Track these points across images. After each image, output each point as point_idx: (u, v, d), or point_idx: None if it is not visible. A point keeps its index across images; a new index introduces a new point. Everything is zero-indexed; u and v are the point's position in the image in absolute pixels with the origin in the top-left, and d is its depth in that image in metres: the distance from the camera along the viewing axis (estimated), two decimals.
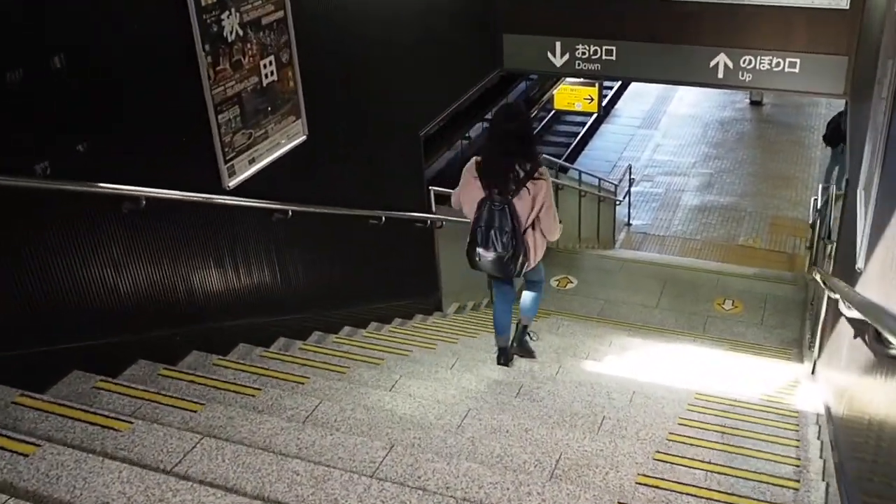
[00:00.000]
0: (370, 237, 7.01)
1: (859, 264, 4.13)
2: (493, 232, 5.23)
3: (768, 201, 16.55)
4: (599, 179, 14.24)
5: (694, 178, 17.56)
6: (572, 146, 19.59)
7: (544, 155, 11.91)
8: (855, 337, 3.36)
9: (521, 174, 5.15)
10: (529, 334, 6.33)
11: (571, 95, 13.21)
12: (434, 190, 7.94)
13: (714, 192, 17.03)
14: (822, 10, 7.92)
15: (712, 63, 8.55)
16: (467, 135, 13.10)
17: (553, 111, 20.24)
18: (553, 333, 8.03)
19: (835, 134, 15.53)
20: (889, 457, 3.07)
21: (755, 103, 20.97)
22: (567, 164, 14.58)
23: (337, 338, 6.41)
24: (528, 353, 6.31)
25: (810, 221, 14.54)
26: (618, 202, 15.36)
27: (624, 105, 22.01)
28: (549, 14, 8.93)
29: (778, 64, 8.33)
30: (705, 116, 20.68)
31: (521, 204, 5.19)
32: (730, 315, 10.11)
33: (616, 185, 15.45)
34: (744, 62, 8.45)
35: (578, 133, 20.23)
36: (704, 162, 18.40)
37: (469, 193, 5.32)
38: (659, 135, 19.95)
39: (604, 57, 8.91)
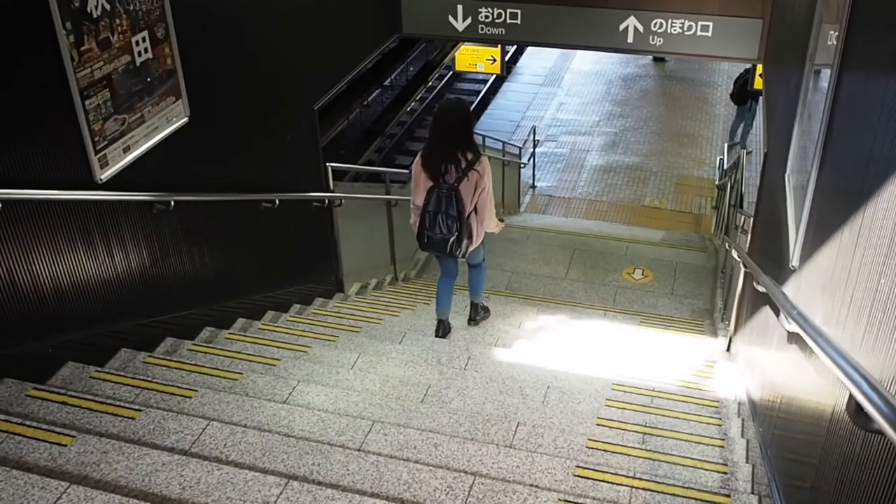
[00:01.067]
0: (265, 221, 6.48)
1: (794, 262, 3.81)
2: (440, 217, 5.77)
3: (673, 160, 16.45)
4: (503, 143, 13.85)
5: (598, 138, 17.34)
6: (473, 106, 19.15)
7: None
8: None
9: (464, 163, 5.68)
10: (477, 318, 7.07)
11: (473, 56, 12.73)
12: (332, 166, 7.42)
13: (619, 151, 16.85)
14: None
15: (622, 27, 8.20)
16: (365, 102, 12.48)
17: (451, 71, 19.77)
18: (461, 315, 7.63)
19: (742, 91, 15.45)
20: (816, 451, 2.77)
21: (658, 59, 20.82)
22: (479, 133, 14.12)
23: (230, 334, 5.89)
24: (482, 317, 7.13)
25: (716, 182, 14.58)
26: (522, 165, 15.04)
27: (526, 62, 21.62)
28: None
29: (690, 27, 8.02)
30: (608, 73, 20.46)
31: (465, 190, 5.71)
32: (640, 285, 9.89)
33: (520, 148, 15.10)
34: (654, 25, 8.11)
35: (480, 91, 19.79)
36: (609, 120, 18.20)
37: (418, 185, 5.83)
38: (562, 93, 19.66)
39: (508, 21, 8.46)
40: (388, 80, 13.29)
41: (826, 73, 3.68)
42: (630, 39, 8.21)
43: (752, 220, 6.94)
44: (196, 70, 5.25)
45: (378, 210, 8.90)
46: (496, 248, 10.63)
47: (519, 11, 8.40)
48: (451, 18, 8.59)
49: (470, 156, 5.69)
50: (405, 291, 8.75)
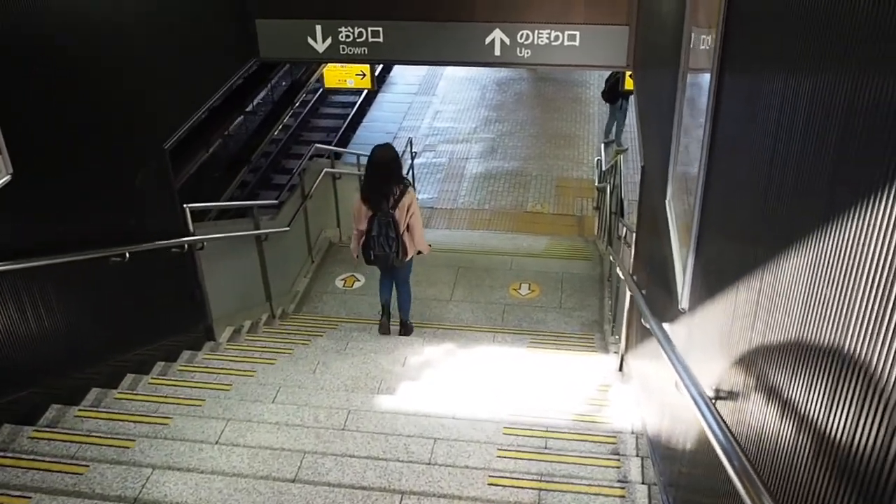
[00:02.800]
0: (116, 276, 5.90)
1: (682, 304, 3.51)
2: (381, 238, 7.39)
3: (552, 163, 16.33)
4: None
5: (477, 144, 17.10)
6: (349, 118, 18.71)
7: (316, 144, 10.98)
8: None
9: (397, 193, 7.32)
10: (409, 323, 8.51)
11: (342, 73, 12.23)
12: (190, 207, 6.85)
13: (498, 157, 16.65)
14: None
15: (487, 40, 7.87)
16: (226, 132, 11.80)
17: (321, 90, 19.25)
18: (341, 355, 7.19)
19: (613, 90, 15.46)
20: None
21: None
22: (340, 150, 13.65)
23: (80, 410, 5.30)
24: (410, 332, 8.50)
25: (596, 183, 14.50)
26: None
27: (399, 71, 21.23)
28: None
29: (557, 38, 7.75)
30: (482, 78, 20.25)
31: (399, 215, 7.34)
32: (527, 301, 9.62)
33: None
34: (521, 37, 7.81)
35: (355, 103, 19.35)
36: (486, 126, 17.98)
37: (360, 215, 7.45)
38: (437, 101, 19.37)
39: (370, 39, 8.04)
40: (251, 105, 12.64)
41: (701, 78, 3.40)
42: (497, 52, 7.90)
43: (634, 235, 6.71)
44: (17, 120, 4.66)
45: (248, 246, 8.37)
46: (377, 272, 10.20)
47: (381, 29, 7.99)
48: (310, 40, 8.12)
49: (400, 188, 7.33)
50: (282, 331, 8.25)
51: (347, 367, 6.72)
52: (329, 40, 8.09)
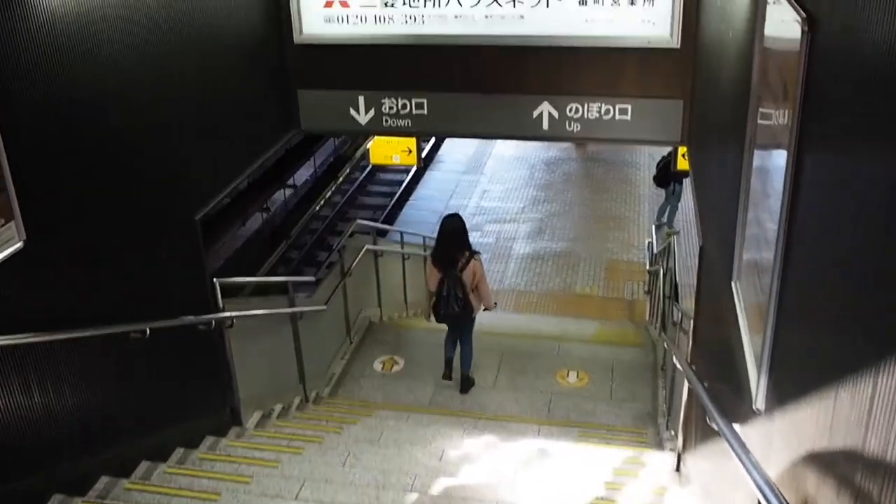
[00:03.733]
0: (137, 353, 5.51)
1: (758, 404, 3.01)
2: (451, 297, 8.21)
3: (602, 245, 15.87)
4: (424, 237, 13.08)
5: (524, 224, 16.71)
6: (396, 196, 18.50)
7: (358, 220, 10.66)
8: None
9: (464, 259, 8.23)
10: (471, 375, 9.05)
11: (388, 147, 11.95)
12: (220, 282, 6.49)
13: (546, 238, 16.23)
14: (650, 49, 7.01)
15: (535, 113, 7.51)
16: (266, 205, 11.47)
17: (368, 167, 19.14)
18: (374, 446, 6.70)
19: (664, 174, 15.11)
20: None
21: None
22: (386, 227, 13.36)
23: (84, 502, 4.86)
24: (471, 385, 9.06)
25: (647, 267, 13.99)
26: None
27: (447, 150, 21.05)
28: (350, 65, 7.68)
29: (608, 111, 7.36)
30: (531, 157, 19.96)
31: (466, 277, 8.23)
32: (575, 389, 9.07)
33: None
34: (570, 111, 7.44)
35: (402, 182, 19.17)
36: (534, 206, 17.62)
37: (432, 276, 8.37)
38: (485, 179, 19.08)
39: (414, 111, 7.72)
40: (292, 178, 12.38)
41: (774, 155, 2.96)
42: (545, 126, 7.52)
43: (691, 321, 6.19)
44: (35, 183, 4.35)
45: (282, 325, 7.97)
46: (417, 354, 9.77)
47: (425, 101, 7.67)
48: (352, 111, 7.82)
49: (467, 254, 8.28)
50: (314, 417, 7.79)
51: (380, 461, 6.23)
52: (372, 112, 7.79)
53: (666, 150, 16.92)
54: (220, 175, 6.62)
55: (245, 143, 7.08)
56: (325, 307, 8.59)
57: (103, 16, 4.88)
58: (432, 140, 21.14)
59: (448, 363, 9.03)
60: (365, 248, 9.93)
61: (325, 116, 7.91)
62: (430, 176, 19.61)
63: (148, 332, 5.41)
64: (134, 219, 5.45)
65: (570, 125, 7.52)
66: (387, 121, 7.79)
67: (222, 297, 6.61)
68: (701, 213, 6.21)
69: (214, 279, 6.49)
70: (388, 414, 8.10)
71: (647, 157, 19.46)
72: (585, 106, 7.43)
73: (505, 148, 20.52)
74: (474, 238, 16.39)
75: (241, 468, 5.85)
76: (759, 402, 3.01)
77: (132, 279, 5.53)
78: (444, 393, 8.92)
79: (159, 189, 5.73)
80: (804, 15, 2.37)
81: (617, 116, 7.40)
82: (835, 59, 2.19)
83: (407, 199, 18.42)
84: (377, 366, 9.48)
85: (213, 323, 6.31)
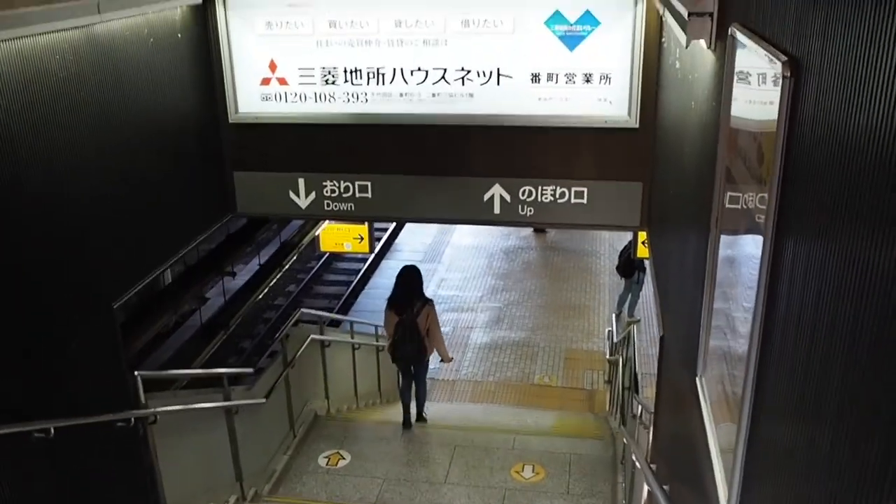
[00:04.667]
0: (38, 455, 5.00)
1: None
2: (406, 340, 9.21)
3: (561, 333, 15.54)
4: (376, 327, 12.65)
5: (482, 314, 16.36)
6: (352, 285, 18.11)
7: (309, 310, 10.22)
8: None
9: (418, 304, 9.27)
10: (424, 415, 10.16)
11: (338, 235, 11.54)
12: (143, 375, 6.02)
13: (504, 326, 15.87)
14: (607, 129, 6.77)
15: (486, 196, 7.22)
16: (202, 294, 10.92)
17: (326, 254, 18.81)
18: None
19: (628, 264, 14.94)
20: None
21: (539, 230, 20.29)
22: (339, 317, 12.92)
23: None
24: (425, 422, 10.13)
25: (607, 356, 13.63)
26: None
27: (405, 239, 20.81)
28: (289, 146, 7.37)
29: (563, 194, 7.08)
30: (490, 246, 19.75)
31: (420, 322, 9.21)
32: (531, 485, 8.58)
33: None
34: (523, 194, 7.16)
35: (360, 270, 18.82)
36: (492, 295, 17.31)
37: (390, 320, 9.39)
38: (443, 268, 18.79)
39: (358, 194, 7.40)
40: (232, 266, 11.91)
41: (745, 240, 2.62)
42: (497, 210, 7.22)
43: (651, 416, 5.80)
44: None
45: (217, 419, 7.46)
46: (365, 449, 9.24)
47: (369, 184, 7.36)
48: (292, 194, 7.49)
49: (420, 302, 9.33)
50: None
51: None
52: (313, 195, 7.46)
53: (627, 238, 16.89)
54: (145, 260, 6.20)
55: (175, 227, 6.69)
56: (263, 401, 8.08)
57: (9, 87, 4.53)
58: (390, 228, 20.92)
59: (406, 409, 9.88)
60: (310, 337, 9.47)
61: (263, 199, 7.56)
62: (386, 265, 19.30)
63: (53, 431, 4.92)
64: (41, 304, 5.01)
65: (523, 209, 7.23)
66: (329, 204, 7.46)
67: (148, 391, 6.13)
68: (661, 302, 5.88)
69: (136, 372, 6.01)
70: None
71: (608, 247, 19.35)
72: (539, 189, 7.15)
73: (463, 237, 20.33)
74: None
75: None
76: None
77: (36, 371, 5.05)
78: (392, 490, 8.39)
79: (69, 275, 5.30)
80: (784, 59, 2.03)
81: (572, 200, 7.13)
82: (825, 108, 1.84)
83: (363, 289, 18.06)
84: (322, 461, 8.94)
85: (133, 420, 5.81)
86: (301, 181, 7.43)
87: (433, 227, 20.92)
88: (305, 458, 8.99)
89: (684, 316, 4.28)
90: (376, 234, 20.70)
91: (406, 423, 9.84)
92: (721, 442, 2.89)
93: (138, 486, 6.25)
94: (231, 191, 7.47)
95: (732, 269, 2.87)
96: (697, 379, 3.43)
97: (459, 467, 8.88)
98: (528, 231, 20.41)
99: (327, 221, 12.68)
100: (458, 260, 19.14)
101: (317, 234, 14.29)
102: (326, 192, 7.42)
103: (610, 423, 10.89)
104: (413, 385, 9.88)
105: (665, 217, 5.96)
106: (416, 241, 20.44)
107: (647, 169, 6.84)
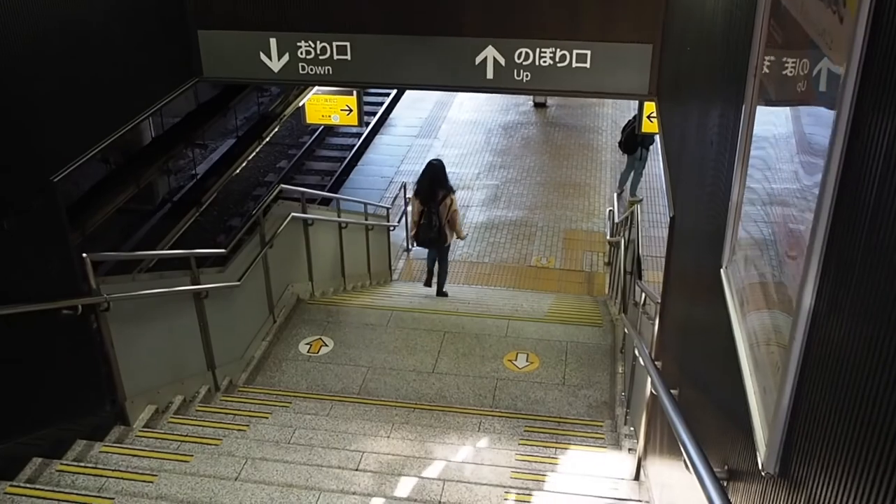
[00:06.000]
0: None
1: (766, 464, 1.98)
2: (429, 226, 10.11)
3: (560, 213, 14.92)
4: (365, 204, 11.99)
5: (479, 192, 15.68)
6: (346, 161, 17.37)
7: (283, 186, 9.48)
8: None
9: (441, 194, 10.04)
10: (444, 291, 11.18)
11: (326, 107, 10.79)
12: (91, 258, 5.38)
13: (501, 205, 15.23)
14: None
15: (478, 59, 6.45)
16: (167, 166, 9.92)
17: (322, 126, 17.99)
18: (281, 449, 5.66)
19: (631, 139, 14.19)
20: None
21: (539, 105, 19.45)
22: (322, 194, 12.23)
23: None
24: (445, 295, 11.11)
25: (608, 237, 13.05)
26: (392, 227, 13.20)
27: (400, 113, 19.96)
28: (259, 1, 6.55)
29: (563, 58, 6.31)
30: (488, 122, 18.93)
31: (442, 211, 10.07)
32: (524, 374, 8.07)
33: (389, 208, 13.27)
34: (519, 56, 6.39)
35: (353, 146, 18.04)
36: (489, 172, 16.60)
37: (415, 209, 10.25)
38: (439, 144, 18.03)
39: (335, 56, 6.62)
40: (204, 139, 11.02)
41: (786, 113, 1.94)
42: (490, 75, 6.46)
43: (657, 306, 5.19)
44: None
45: (183, 304, 6.86)
46: (349, 336, 8.71)
47: (348, 44, 6.57)
48: (263, 56, 6.70)
49: (443, 192, 10.00)
50: (220, 411, 6.70)
51: (282, 470, 5.18)
52: (286, 57, 6.68)
53: (631, 113, 16.06)
54: (92, 130, 5.47)
55: (128, 92, 5.93)
56: (237, 283, 7.48)
57: None
58: (385, 103, 20.04)
59: (429, 272, 11.28)
60: (290, 215, 8.79)
61: (231, 62, 6.79)
62: (379, 140, 18.57)
63: None
64: None
65: (518, 74, 6.47)
66: (303, 67, 6.69)
67: (104, 274, 5.51)
68: (672, 179, 5.18)
69: (84, 255, 5.37)
70: (307, 405, 7.05)
71: (611, 122, 18.59)
72: (537, 51, 6.38)
73: (460, 112, 19.52)
74: None
75: (107, 484, 4.79)
76: (768, 463, 1.99)
77: None
78: (377, 380, 7.88)
79: (2, 142, 4.60)
80: None
81: (574, 63, 6.37)
82: None
83: (354, 166, 17.35)
84: (303, 348, 8.41)
85: (80, 307, 5.19)
86: (273, 41, 6.64)
87: (429, 102, 20.09)
88: (285, 345, 8.46)
89: (703, 197, 3.61)
90: (370, 108, 19.89)
91: (427, 282, 11.36)
92: (751, 339, 2.28)
93: (90, 377, 5.69)
94: (195, 52, 6.68)
95: (775, 147, 2.20)
96: (722, 270, 2.78)
97: (449, 356, 8.36)
98: (528, 106, 19.58)
99: (313, 90, 11.92)
100: (454, 136, 18.37)
101: (301, 104, 13.52)
102: (301, 53, 6.64)
103: (609, 309, 10.35)
104: (436, 260, 11.06)
105: (680, 84, 5.22)
106: (411, 116, 19.62)
107: (660, 27, 6.05)
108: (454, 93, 20.36)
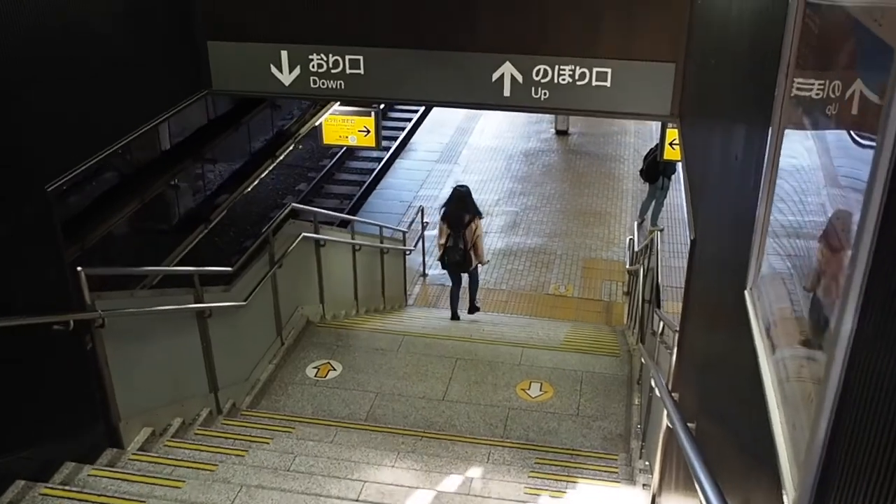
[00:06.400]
0: None
1: (791, 492, 1.73)
2: (454, 249, 10.46)
3: (580, 241, 14.67)
4: (381, 227, 11.78)
5: (498, 218, 15.47)
6: (365, 185, 17.21)
7: (297, 205, 9.29)
8: None
9: (467, 219, 10.43)
10: (476, 304, 11.55)
11: (343, 128, 10.61)
12: (86, 271, 5.17)
13: (520, 232, 15.01)
14: None
15: (495, 76, 6.23)
16: (174, 181, 9.72)
17: (343, 149, 17.89)
18: (279, 477, 5.41)
19: (652, 168, 13.96)
20: None
21: (561, 133, 19.28)
22: (334, 214, 12.06)
23: None
24: (477, 310, 11.57)
25: (627, 266, 12.78)
26: (408, 252, 12.98)
27: (421, 138, 19.83)
28: (271, 12, 6.39)
29: (583, 76, 6.09)
30: (509, 148, 18.76)
31: (468, 235, 10.43)
32: (537, 404, 7.79)
33: (405, 232, 13.06)
34: (537, 74, 6.16)
35: (373, 170, 17.89)
36: (509, 199, 16.40)
37: (442, 231, 10.60)
38: (459, 169, 17.86)
39: (348, 70, 6.42)
40: (210, 152, 10.79)
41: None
42: (507, 92, 6.24)
43: (675, 335, 4.92)
44: None
45: (185, 324, 6.66)
46: (358, 360, 8.47)
47: (361, 58, 6.37)
48: (273, 69, 6.52)
49: (470, 216, 10.39)
50: (219, 435, 6.45)
51: (278, 499, 4.94)
52: (297, 70, 6.49)
53: (653, 142, 15.81)
54: (91, 138, 5.28)
55: (132, 102, 5.75)
56: (243, 303, 7.26)
57: None
58: (407, 128, 19.90)
59: (453, 306, 11.37)
60: (301, 235, 8.59)
61: (241, 75, 6.60)
62: (399, 164, 18.44)
63: None
64: None
65: (536, 91, 6.25)
66: (315, 81, 6.50)
67: (110, 290, 5.31)
68: (694, 201, 4.93)
69: (79, 268, 5.17)
70: (311, 431, 6.80)
71: (633, 151, 18.38)
72: (556, 69, 6.15)
73: (482, 138, 19.38)
74: None
75: None
76: (795, 491, 1.73)
77: None
78: (385, 406, 7.63)
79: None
80: None
81: (594, 82, 6.14)
82: None
83: (374, 189, 17.19)
84: (310, 371, 8.18)
85: (72, 323, 4.98)
86: (284, 53, 6.45)
87: (450, 128, 19.97)
88: (292, 368, 8.23)
89: (725, 218, 3.37)
90: (391, 133, 19.76)
91: (455, 316, 11.34)
92: (779, 368, 2.03)
93: (83, 396, 5.47)
94: (205, 63, 6.51)
95: (805, 172, 1.97)
96: (746, 292, 2.53)
97: (460, 383, 8.10)
98: (550, 133, 19.41)
99: (330, 110, 11.75)
100: (475, 161, 18.21)
101: (317, 123, 13.35)
102: (313, 66, 6.45)
103: (627, 339, 10.07)
104: (460, 288, 11.29)
105: (704, 105, 4.97)
106: (432, 141, 19.49)
107: (683, 46, 5.82)
108: (475, 118, 20.33)
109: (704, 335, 3.77)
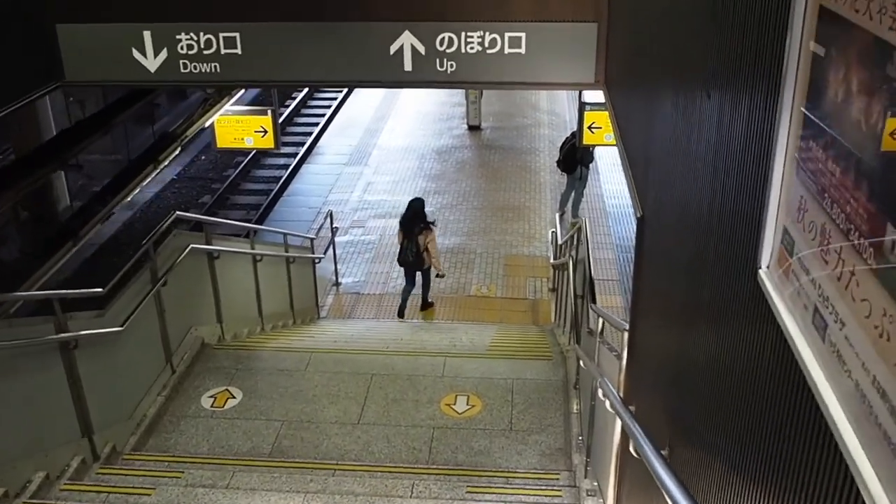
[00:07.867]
0: None
1: None
2: (408, 252, 11.29)
3: (500, 238, 13.96)
4: (284, 234, 10.82)
5: None
6: (273, 193, 16.23)
7: (182, 213, 8.25)
8: None
9: (416, 230, 11.24)
10: (429, 300, 12.09)
11: (237, 128, 9.61)
12: None
13: (437, 232, 14.15)
14: None
15: (393, 48, 5.39)
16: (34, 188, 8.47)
17: (248, 158, 16.91)
18: None
19: (570, 158, 13.31)
20: None
21: (473, 128, 18.60)
22: (210, 219, 11.05)
23: None
24: (430, 306, 12.13)
25: (551, 260, 12.11)
26: (317, 260, 12.04)
27: (328, 140, 18.92)
28: None
29: (493, 42, 5.29)
30: (420, 146, 17.98)
31: (421, 239, 11.23)
32: (465, 421, 6.95)
33: (313, 239, 12.12)
34: (441, 43, 5.34)
35: (280, 178, 16.91)
36: (424, 198, 15.53)
37: (399, 234, 11.44)
38: (370, 171, 17.01)
39: (223, 51, 5.49)
40: (76, 160, 9.60)
41: None
42: (408, 66, 5.40)
43: (624, 335, 4.11)
44: None
45: (46, 357, 5.63)
46: (262, 384, 7.51)
47: (237, 36, 5.45)
48: (136, 54, 5.56)
49: (420, 226, 11.24)
50: (90, 489, 5.44)
51: None
52: (164, 53, 5.54)
53: (568, 131, 15.18)
54: None
55: None
56: (119, 329, 6.26)
57: None
58: (314, 132, 18.94)
59: (403, 303, 11.78)
60: (190, 247, 7.60)
61: (99, 62, 5.63)
62: (307, 169, 17.53)
63: None
64: None
65: (442, 64, 5.43)
66: (185, 65, 5.56)
67: None
68: (636, 177, 4.13)
69: None
70: (204, 475, 5.82)
71: (548, 143, 17.74)
72: (462, 36, 5.35)
73: (392, 137, 18.64)
74: (355, 235, 14.33)
75: None
76: None
77: None
78: (292, 436, 6.70)
79: None
80: None
81: (506, 49, 5.35)
82: None
83: (280, 197, 16.21)
84: (206, 402, 7.19)
85: None
86: (147, 35, 5.50)
87: (359, 129, 19.18)
88: (185, 399, 7.22)
89: (702, 190, 2.58)
90: (297, 138, 18.79)
91: (400, 313, 11.77)
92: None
93: None
94: (55, 50, 5.51)
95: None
96: (762, 272, 1.71)
97: (377, 402, 7.21)
98: (462, 129, 18.74)
99: (219, 109, 10.71)
100: (386, 162, 17.39)
101: (206, 124, 12.28)
102: (181, 48, 5.51)
103: (558, 338, 9.32)
104: (413, 287, 11.74)
105: (643, 69, 4.19)
106: (341, 143, 18.63)
107: (605, 2, 5.06)
108: (384, 118, 19.57)
109: (676, 335, 2.96)
